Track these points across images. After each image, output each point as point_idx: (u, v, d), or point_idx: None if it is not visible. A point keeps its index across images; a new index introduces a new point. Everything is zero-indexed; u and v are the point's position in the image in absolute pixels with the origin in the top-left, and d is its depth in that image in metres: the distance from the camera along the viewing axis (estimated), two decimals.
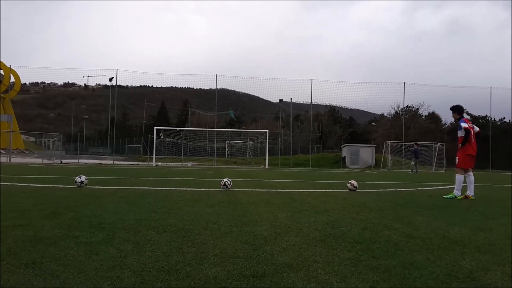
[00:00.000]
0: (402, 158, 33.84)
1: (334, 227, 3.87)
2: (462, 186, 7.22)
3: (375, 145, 37.42)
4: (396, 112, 50.28)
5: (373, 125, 58.96)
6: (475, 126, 7.41)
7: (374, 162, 34.34)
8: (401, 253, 2.91)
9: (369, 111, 62.59)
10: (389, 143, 33.77)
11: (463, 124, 7.21)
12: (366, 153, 35.49)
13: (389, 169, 30.48)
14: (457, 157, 7.39)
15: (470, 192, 7.14)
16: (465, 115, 7.52)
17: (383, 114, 56.16)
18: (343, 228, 3.83)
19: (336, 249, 2.96)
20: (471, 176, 7.23)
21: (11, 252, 2.68)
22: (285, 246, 3.02)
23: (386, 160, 33.01)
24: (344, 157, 35.41)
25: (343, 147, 37.50)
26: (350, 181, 8.32)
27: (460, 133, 7.25)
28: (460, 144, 7.24)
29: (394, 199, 6.84)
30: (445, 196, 7.20)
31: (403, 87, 35.86)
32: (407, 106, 47.25)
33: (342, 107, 63.57)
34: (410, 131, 42.43)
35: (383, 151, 33.57)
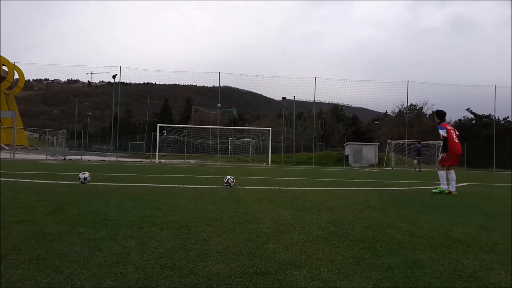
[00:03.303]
0: (405, 157, 33.75)
1: (337, 225, 3.86)
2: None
3: (378, 143, 37.35)
4: (399, 110, 50.15)
5: (376, 123, 58.77)
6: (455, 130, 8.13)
7: (377, 160, 34.28)
8: (404, 251, 2.91)
9: (372, 109, 62.44)
10: (393, 141, 33.69)
11: (442, 132, 7.85)
12: (369, 151, 35.45)
13: (392, 168, 30.41)
14: (441, 155, 8.10)
15: (452, 188, 7.85)
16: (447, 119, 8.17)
17: (386, 112, 56.03)
18: (346, 226, 3.83)
19: (339, 247, 2.96)
20: (452, 174, 8.01)
21: (15, 248, 2.70)
22: (288, 244, 3.02)
23: (389, 158, 32.93)
24: (347, 155, 35.39)
25: (346, 145, 37.47)
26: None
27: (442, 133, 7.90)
28: (442, 150, 8.13)
29: (397, 198, 6.82)
30: (433, 191, 7.93)
31: (406, 85, 35.81)
32: (411, 104, 47.17)
33: (345, 105, 63.44)
34: (413, 130, 42.28)
35: (386, 149, 33.50)
